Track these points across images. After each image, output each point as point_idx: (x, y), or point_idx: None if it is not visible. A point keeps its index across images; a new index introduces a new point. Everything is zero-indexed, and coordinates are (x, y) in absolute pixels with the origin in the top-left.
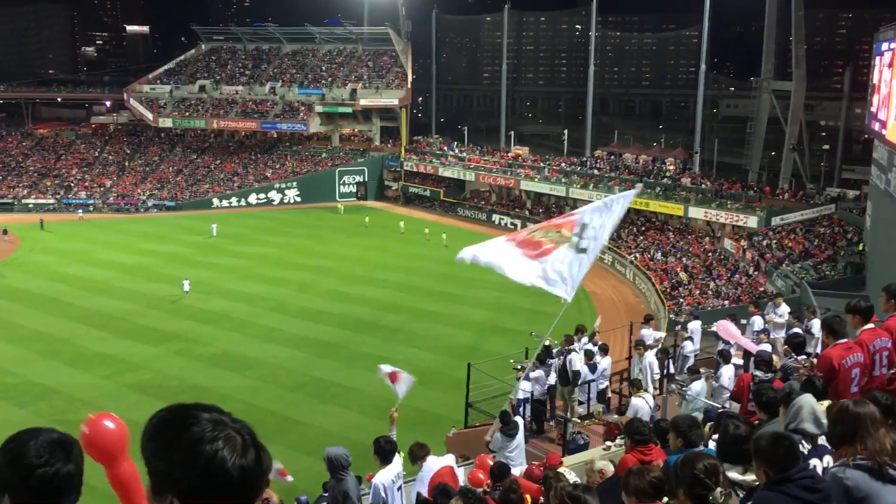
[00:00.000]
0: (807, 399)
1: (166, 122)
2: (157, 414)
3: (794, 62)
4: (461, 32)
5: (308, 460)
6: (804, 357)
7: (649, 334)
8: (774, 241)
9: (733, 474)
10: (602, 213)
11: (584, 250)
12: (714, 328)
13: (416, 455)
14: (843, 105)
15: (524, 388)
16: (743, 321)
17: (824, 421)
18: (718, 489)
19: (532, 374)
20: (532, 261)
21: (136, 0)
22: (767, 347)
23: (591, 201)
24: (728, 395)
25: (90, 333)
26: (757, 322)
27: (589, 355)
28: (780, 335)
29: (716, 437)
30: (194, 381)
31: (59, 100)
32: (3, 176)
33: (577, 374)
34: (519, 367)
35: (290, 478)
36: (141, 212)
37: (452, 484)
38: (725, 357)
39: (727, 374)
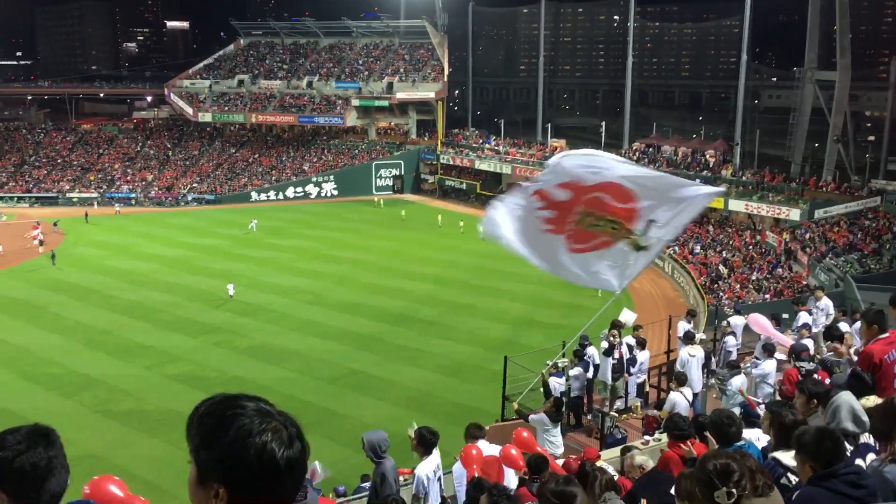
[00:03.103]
0: (845, 397)
1: (206, 117)
2: (205, 403)
3: (838, 51)
4: (498, 25)
5: (346, 451)
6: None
7: (683, 328)
8: (818, 234)
9: (787, 459)
10: (672, 209)
11: (644, 248)
12: (747, 321)
13: (474, 436)
14: (890, 95)
15: (557, 384)
16: (785, 315)
17: (864, 419)
18: (724, 489)
19: (572, 372)
20: (576, 255)
21: None
22: (809, 342)
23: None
24: (770, 389)
25: (132, 325)
26: (802, 317)
27: (628, 349)
28: (823, 330)
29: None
30: (234, 373)
31: (101, 95)
32: (49, 170)
33: (631, 361)
34: (549, 363)
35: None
36: (181, 205)
37: (497, 475)
38: (769, 350)
39: (768, 367)
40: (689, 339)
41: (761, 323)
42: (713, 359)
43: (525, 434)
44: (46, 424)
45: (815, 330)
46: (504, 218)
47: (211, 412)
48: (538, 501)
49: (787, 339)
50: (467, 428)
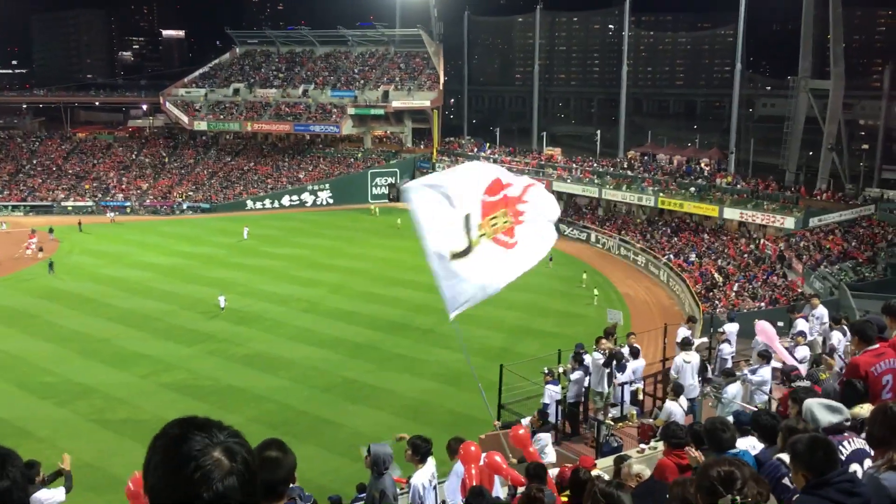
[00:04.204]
0: (808, 400)
1: (201, 125)
2: (161, 429)
3: (832, 60)
4: (493, 33)
5: (340, 461)
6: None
7: (684, 334)
8: (812, 242)
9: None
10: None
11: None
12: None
13: (454, 450)
14: (883, 104)
15: (553, 392)
16: (780, 323)
17: (838, 405)
18: (728, 496)
19: (573, 376)
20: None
21: (171, 5)
22: (805, 350)
23: (625, 203)
24: (765, 397)
25: (127, 333)
26: (799, 324)
27: (618, 357)
28: (819, 337)
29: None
30: (228, 382)
31: (96, 104)
32: (44, 179)
33: (619, 368)
34: (546, 370)
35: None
36: (176, 214)
37: (488, 482)
38: (766, 357)
39: (767, 374)
40: (685, 345)
41: (767, 331)
42: (708, 367)
43: (521, 431)
44: (7, 449)
45: (810, 338)
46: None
47: (160, 438)
48: (586, 498)
49: (786, 355)
50: (448, 444)
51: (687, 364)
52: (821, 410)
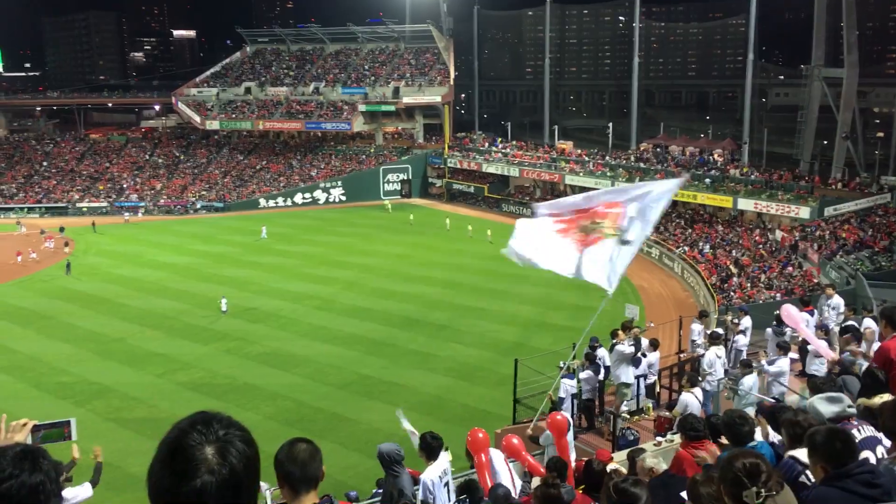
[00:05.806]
0: (809, 400)
1: (213, 125)
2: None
3: (845, 48)
4: (503, 28)
5: (357, 457)
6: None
7: (697, 329)
8: (828, 232)
9: (805, 457)
10: (646, 202)
11: (627, 242)
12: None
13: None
14: None
15: (569, 386)
16: None
17: (838, 394)
18: (753, 489)
19: (582, 375)
20: (576, 252)
21: (182, 5)
22: (824, 343)
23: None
24: (783, 388)
25: (143, 333)
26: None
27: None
28: (836, 328)
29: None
30: (245, 380)
31: (109, 105)
32: (58, 180)
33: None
34: (562, 364)
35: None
36: (190, 213)
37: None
38: (784, 348)
39: (785, 366)
40: (715, 339)
41: (793, 316)
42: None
43: (515, 441)
44: (36, 447)
45: (831, 328)
46: (523, 239)
47: (171, 429)
48: (603, 491)
49: (813, 337)
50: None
51: (719, 359)
52: (822, 404)
